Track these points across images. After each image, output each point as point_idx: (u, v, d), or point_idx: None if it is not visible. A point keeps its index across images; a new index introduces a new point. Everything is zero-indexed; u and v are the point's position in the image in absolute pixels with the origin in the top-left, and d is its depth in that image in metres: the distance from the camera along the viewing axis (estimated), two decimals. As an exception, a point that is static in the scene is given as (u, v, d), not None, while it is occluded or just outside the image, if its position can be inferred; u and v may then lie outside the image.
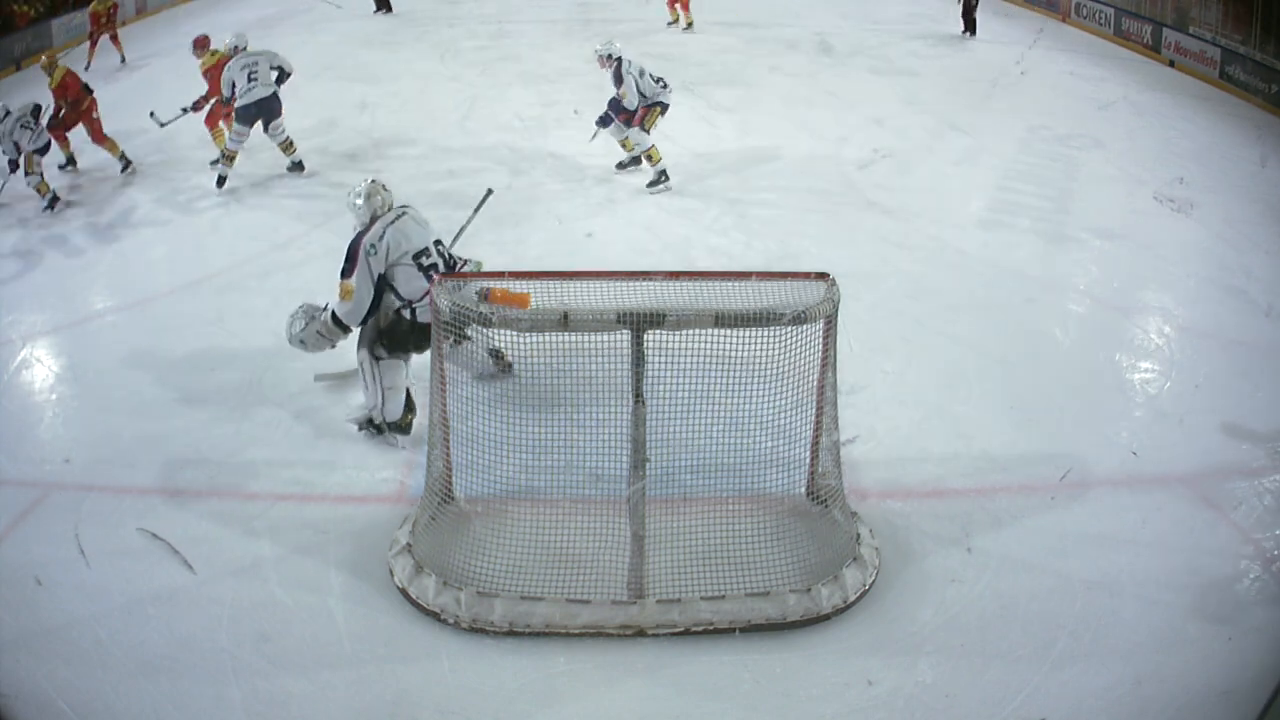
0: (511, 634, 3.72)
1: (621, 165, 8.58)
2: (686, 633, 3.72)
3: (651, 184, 8.18)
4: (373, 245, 4.62)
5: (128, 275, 6.80)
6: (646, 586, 3.79)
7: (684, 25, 14.50)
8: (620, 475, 3.83)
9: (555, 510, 3.99)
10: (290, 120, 8.55)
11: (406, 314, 4.69)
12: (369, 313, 4.70)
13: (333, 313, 4.73)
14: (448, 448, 4.09)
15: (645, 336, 3.69)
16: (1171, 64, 13.90)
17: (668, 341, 3.80)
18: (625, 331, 3.67)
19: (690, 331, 3.75)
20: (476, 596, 3.76)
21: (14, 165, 7.87)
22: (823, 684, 3.56)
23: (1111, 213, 8.09)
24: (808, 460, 4.23)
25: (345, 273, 4.66)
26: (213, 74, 8.72)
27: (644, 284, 4.04)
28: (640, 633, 3.72)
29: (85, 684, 3.52)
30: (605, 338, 3.74)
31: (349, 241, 4.68)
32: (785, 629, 3.76)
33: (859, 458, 4.75)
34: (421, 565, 3.90)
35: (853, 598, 3.85)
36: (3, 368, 5.65)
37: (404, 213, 4.79)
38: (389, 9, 15.50)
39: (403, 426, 4.89)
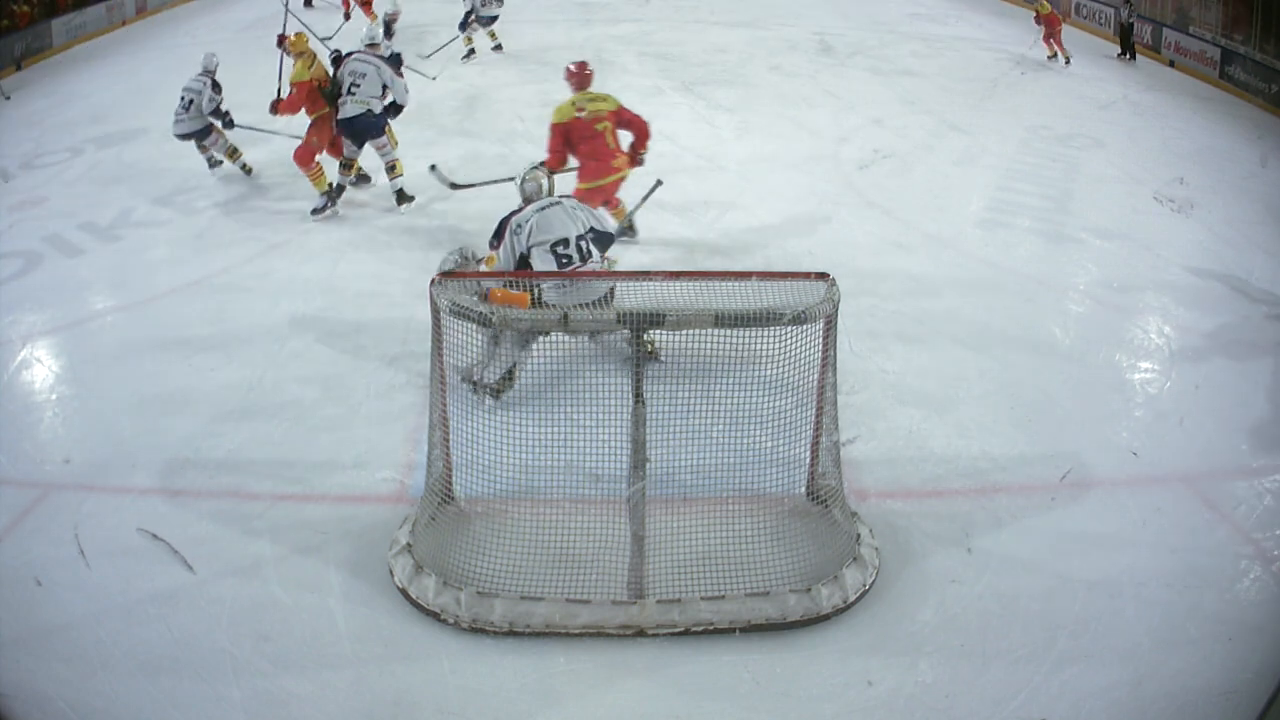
0: (511, 634, 3.71)
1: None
2: (686, 633, 3.72)
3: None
4: (519, 225, 5.03)
5: (128, 275, 6.79)
6: (646, 586, 3.79)
7: (1062, 61, 13.17)
8: (620, 475, 3.83)
9: (555, 510, 3.99)
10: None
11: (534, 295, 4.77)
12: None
13: None
14: (448, 448, 4.09)
15: (644, 336, 3.69)
16: (1171, 64, 13.91)
17: (668, 341, 3.81)
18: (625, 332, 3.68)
19: (690, 331, 3.76)
20: (476, 596, 3.76)
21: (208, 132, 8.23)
22: (823, 684, 3.56)
23: (1111, 213, 8.09)
24: (808, 460, 4.23)
25: (493, 244, 5.13)
26: (301, 90, 7.62)
27: (644, 284, 4.04)
28: (640, 633, 3.72)
29: (85, 684, 3.52)
30: (605, 338, 3.75)
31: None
32: (785, 629, 3.76)
33: (859, 458, 4.75)
34: (421, 565, 3.90)
35: (853, 598, 3.85)
36: (3, 368, 5.65)
37: (557, 203, 5.12)
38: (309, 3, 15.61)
39: (495, 391, 4.89)
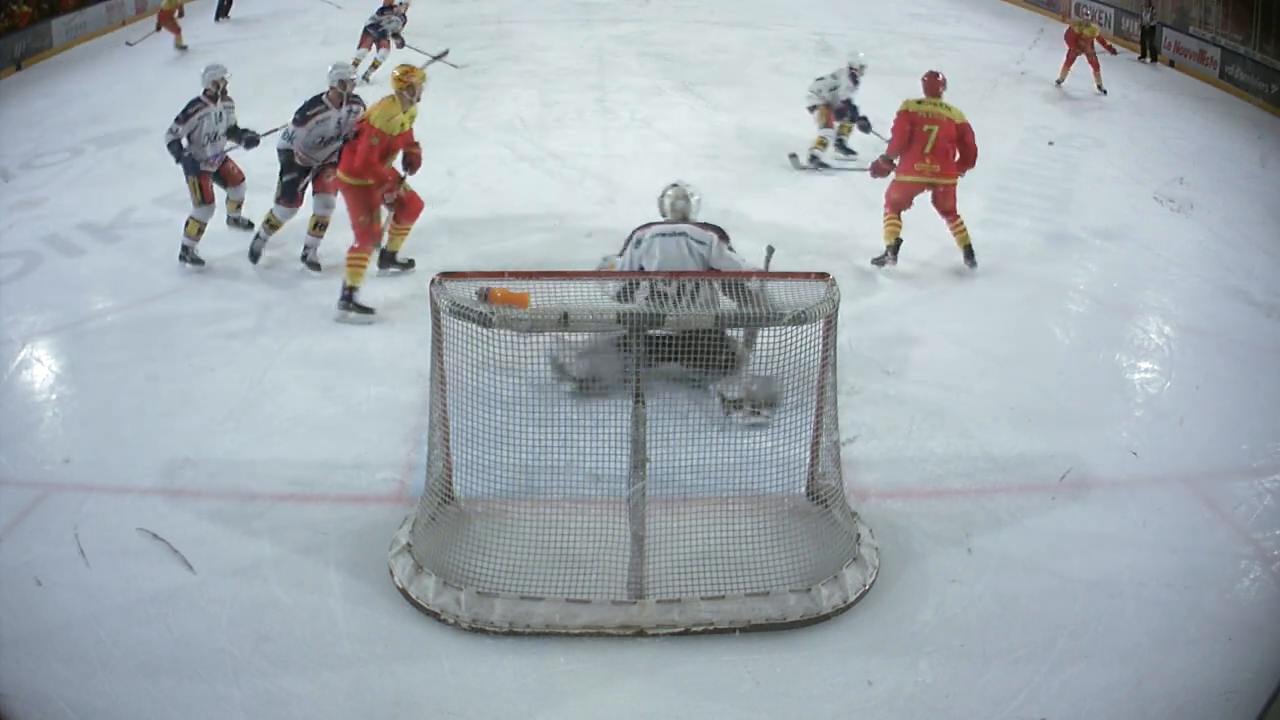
0: (511, 634, 3.71)
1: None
2: (686, 633, 3.72)
3: None
4: (639, 240, 5.16)
5: (128, 275, 6.79)
6: (646, 586, 3.79)
7: (1095, 89, 12.06)
8: (620, 475, 3.83)
9: (555, 510, 3.99)
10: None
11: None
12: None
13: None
14: (448, 448, 4.09)
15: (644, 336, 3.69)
16: (1171, 64, 13.91)
17: (667, 341, 3.81)
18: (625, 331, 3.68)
19: (690, 331, 3.76)
20: (476, 596, 3.76)
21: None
22: (823, 684, 3.56)
23: (1111, 213, 8.09)
24: (808, 460, 4.23)
25: (621, 253, 5.27)
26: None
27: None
28: (640, 633, 3.72)
29: (85, 684, 3.51)
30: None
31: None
32: (785, 629, 3.75)
33: (859, 458, 4.75)
34: (421, 565, 3.90)
35: (853, 598, 3.85)
36: (3, 368, 5.65)
37: (674, 232, 5.07)
38: (226, 15, 15.63)
39: (575, 381, 4.87)
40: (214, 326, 6.01)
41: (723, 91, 11.44)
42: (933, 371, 5.55)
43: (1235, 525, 4.42)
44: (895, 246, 6.73)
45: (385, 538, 4.12)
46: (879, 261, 6.74)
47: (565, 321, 3.62)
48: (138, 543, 4.19)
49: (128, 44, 14.30)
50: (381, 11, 12.29)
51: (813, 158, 8.93)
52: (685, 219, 5.31)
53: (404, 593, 3.86)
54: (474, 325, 3.69)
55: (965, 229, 6.79)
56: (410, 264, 6.69)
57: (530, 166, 8.74)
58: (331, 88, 6.58)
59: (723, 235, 5.23)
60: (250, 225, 7.33)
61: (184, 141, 6.74)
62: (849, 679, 3.57)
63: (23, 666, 3.58)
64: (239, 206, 7.46)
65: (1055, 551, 4.21)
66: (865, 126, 8.66)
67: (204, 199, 6.85)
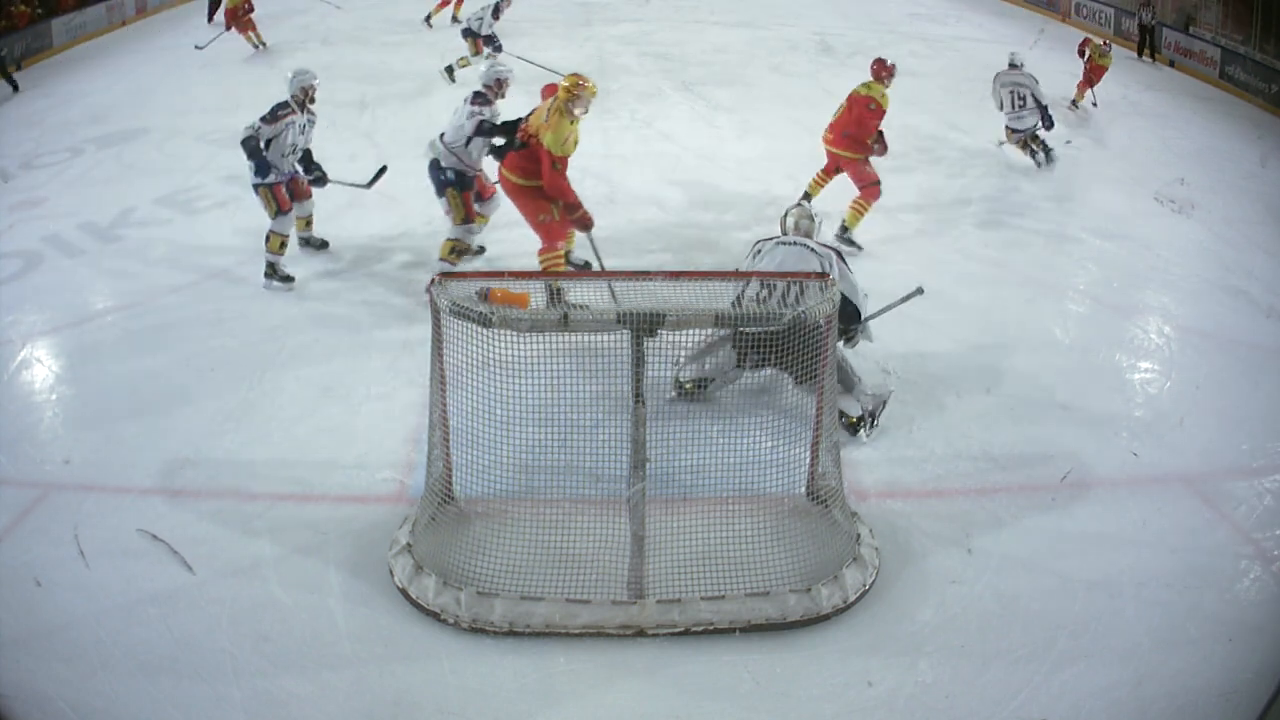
0: (511, 634, 3.71)
1: None
2: (686, 633, 3.72)
3: None
4: (757, 250, 5.12)
5: (128, 275, 6.79)
6: (646, 586, 3.79)
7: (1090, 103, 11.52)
8: (620, 475, 3.83)
9: (555, 510, 3.99)
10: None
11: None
12: None
13: None
14: (448, 448, 4.09)
15: (645, 336, 3.69)
16: (1171, 64, 13.92)
17: (668, 341, 3.81)
18: (625, 332, 3.68)
19: (690, 331, 3.76)
20: (476, 596, 3.76)
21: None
22: (823, 684, 3.56)
23: (1111, 213, 8.09)
24: (808, 460, 4.23)
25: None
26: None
27: (644, 284, 4.04)
28: (640, 633, 3.72)
29: (85, 684, 3.51)
30: (605, 338, 3.75)
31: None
32: (785, 629, 3.75)
33: (859, 458, 4.75)
34: (421, 565, 3.90)
35: (853, 598, 3.85)
36: (3, 368, 5.65)
37: (796, 243, 5.03)
38: (15, 88, 12.61)
39: (682, 387, 4.89)
40: (214, 326, 6.01)
41: (723, 91, 11.45)
42: (933, 371, 5.55)
43: (1235, 525, 4.42)
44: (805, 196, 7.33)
45: (385, 538, 4.12)
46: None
47: (565, 321, 3.62)
48: (138, 543, 4.19)
49: (196, 48, 13.32)
50: (497, 15, 12.25)
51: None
52: (809, 237, 5.27)
53: (404, 593, 3.86)
54: (474, 325, 3.69)
55: (858, 208, 7.13)
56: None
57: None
58: (293, 95, 6.35)
59: (841, 257, 5.19)
60: (325, 245, 7.08)
61: (263, 144, 6.23)
62: (849, 679, 3.57)
63: (23, 666, 3.58)
64: (309, 224, 7.01)
65: (1055, 551, 4.21)
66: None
67: (280, 209, 6.40)
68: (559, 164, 5.58)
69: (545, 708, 3.48)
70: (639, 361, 3.71)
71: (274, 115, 6.25)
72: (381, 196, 8.09)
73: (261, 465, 4.71)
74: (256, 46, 13.54)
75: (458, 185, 6.23)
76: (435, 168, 6.27)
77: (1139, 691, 3.55)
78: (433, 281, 3.86)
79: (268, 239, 6.44)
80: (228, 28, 13.47)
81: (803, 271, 4.57)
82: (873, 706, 3.48)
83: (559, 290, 4.69)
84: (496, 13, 12.28)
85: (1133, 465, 4.82)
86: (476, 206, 6.42)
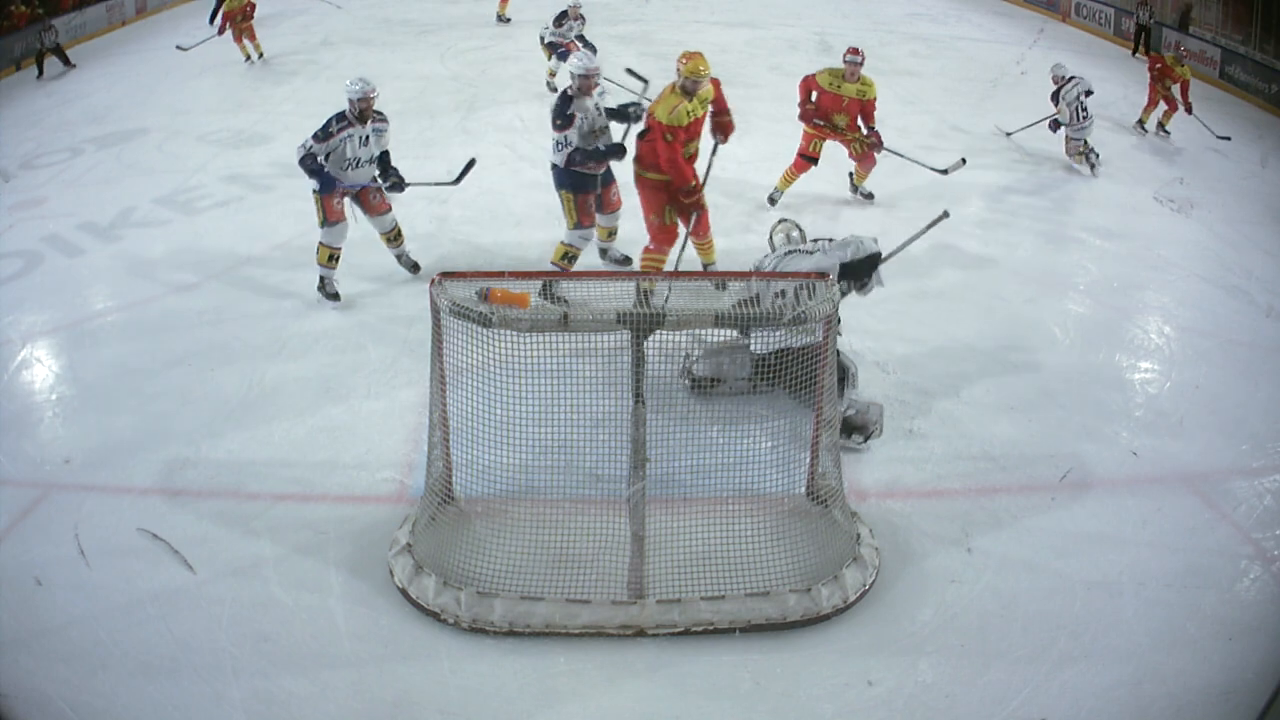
0: (511, 634, 3.71)
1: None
2: (686, 633, 3.72)
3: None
4: (759, 265, 5.03)
5: (128, 275, 6.79)
6: (646, 586, 3.79)
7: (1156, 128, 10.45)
8: (620, 475, 3.83)
9: (555, 510, 3.99)
10: (290, 120, 8.49)
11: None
12: None
13: None
14: (448, 448, 4.09)
15: (645, 337, 3.69)
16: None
17: (668, 342, 3.81)
18: (625, 332, 3.68)
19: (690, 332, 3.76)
20: (476, 596, 3.76)
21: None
22: (823, 684, 3.56)
23: (1111, 213, 8.09)
24: (808, 460, 4.23)
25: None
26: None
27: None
28: (640, 633, 3.72)
29: (85, 684, 3.52)
30: (605, 338, 3.75)
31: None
32: (785, 629, 3.76)
33: (859, 458, 4.75)
34: (421, 565, 3.90)
35: (853, 598, 3.85)
36: (3, 368, 5.65)
37: (788, 254, 4.96)
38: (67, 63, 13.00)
39: (696, 382, 4.94)
40: (214, 326, 6.01)
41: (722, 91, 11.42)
42: (933, 371, 5.55)
43: (1235, 525, 4.42)
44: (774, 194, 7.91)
45: (385, 538, 4.13)
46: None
47: (565, 322, 3.62)
48: (138, 543, 4.20)
49: (179, 48, 12.88)
50: (559, 22, 11.13)
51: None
52: (793, 245, 5.22)
53: (404, 593, 3.86)
54: (474, 325, 3.69)
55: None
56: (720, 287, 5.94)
57: (530, 166, 8.72)
58: (350, 103, 5.95)
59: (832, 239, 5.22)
60: (416, 268, 6.64)
61: (322, 159, 5.91)
62: (849, 679, 3.57)
63: (23, 666, 3.58)
64: (395, 238, 6.51)
65: (1055, 551, 4.21)
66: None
67: (328, 219, 6.03)
68: (670, 134, 5.62)
69: (545, 708, 3.48)
70: (639, 361, 3.72)
71: (325, 132, 5.89)
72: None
73: (261, 465, 4.71)
74: (250, 58, 12.72)
75: (571, 188, 6.08)
76: (553, 167, 6.17)
77: (1139, 691, 3.55)
78: (433, 281, 3.86)
79: (317, 250, 6.16)
80: (220, 32, 12.68)
81: (800, 272, 4.56)
82: (873, 706, 3.48)
83: (550, 285, 4.68)
84: (560, 20, 11.24)
85: (1133, 465, 4.82)
86: (599, 218, 6.28)
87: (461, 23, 15.29)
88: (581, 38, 11.15)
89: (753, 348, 4.68)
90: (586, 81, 5.99)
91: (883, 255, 5.02)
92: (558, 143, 5.99)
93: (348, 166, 6.00)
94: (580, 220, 6.10)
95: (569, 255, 6.18)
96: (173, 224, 7.68)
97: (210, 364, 5.59)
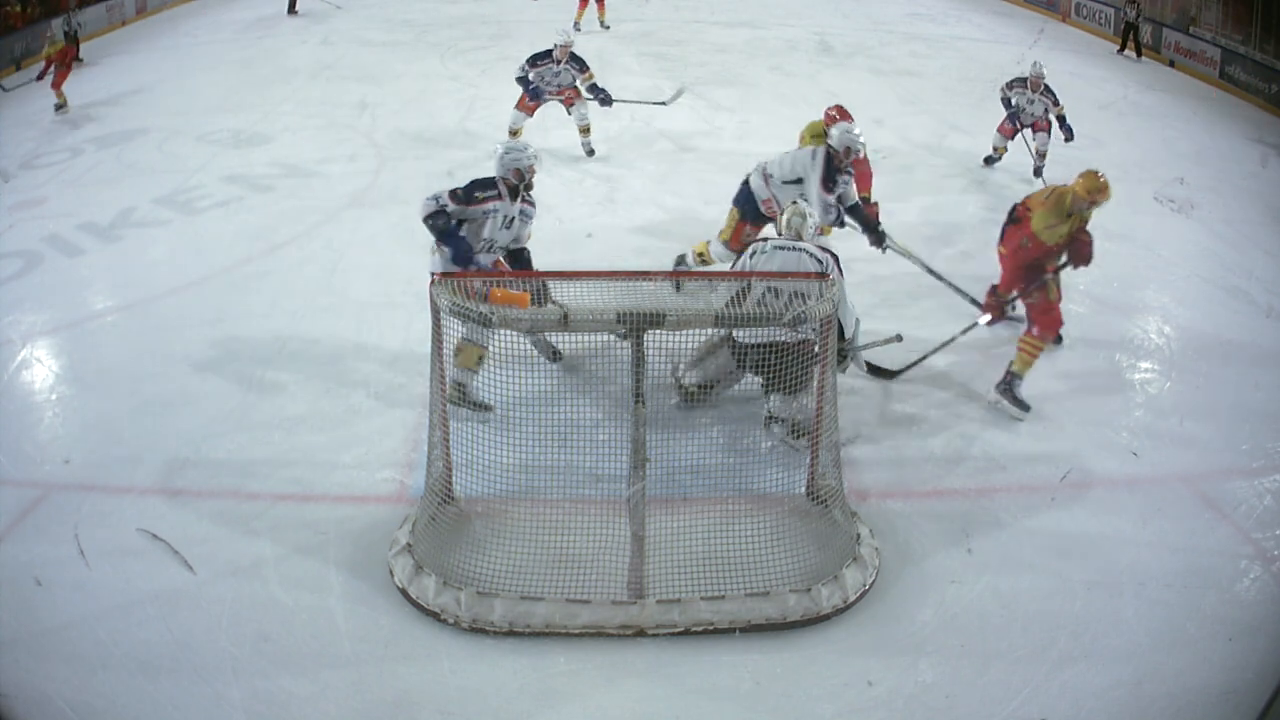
0: (511, 634, 3.71)
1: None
2: (686, 633, 3.72)
3: None
4: (752, 251, 4.79)
5: (128, 275, 6.79)
6: (646, 587, 3.79)
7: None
8: (620, 475, 3.83)
9: (555, 510, 3.99)
10: (290, 120, 8.47)
11: None
12: None
13: None
14: (448, 448, 4.09)
15: (645, 337, 3.69)
16: (1171, 64, 13.92)
17: (668, 342, 3.82)
18: (625, 331, 3.68)
19: (690, 332, 3.76)
20: (476, 596, 3.76)
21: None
22: (823, 684, 3.56)
23: (1111, 213, 8.05)
24: (808, 460, 4.23)
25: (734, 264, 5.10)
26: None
27: (644, 284, 4.05)
28: (640, 633, 3.72)
29: (85, 684, 3.51)
30: (605, 338, 3.75)
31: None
32: (785, 629, 3.76)
33: (859, 458, 4.75)
34: (421, 565, 3.90)
35: (853, 598, 3.85)
36: (3, 368, 5.65)
37: (793, 248, 4.73)
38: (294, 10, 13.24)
39: (685, 393, 4.84)
40: (214, 326, 6.01)
41: (723, 91, 11.44)
42: (933, 371, 5.55)
43: (1235, 525, 4.42)
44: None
45: (385, 538, 4.12)
46: None
47: (565, 321, 3.62)
48: (138, 543, 4.19)
49: (2, 89, 11.55)
50: (534, 63, 8.92)
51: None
52: (800, 237, 4.96)
53: (404, 593, 3.86)
54: (474, 325, 3.69)
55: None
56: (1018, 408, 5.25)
57: (530, 166, 8.74)
58: (510, 171, 4.89)
59: (838, 262, 4.93)
60: (557, 356, 5.18)
61: (455, 224, 4.81)
62: (849, 679, 3.57)
63: (23, 666, 3.58)
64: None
65: (1055, 551, 4.21)
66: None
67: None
68: (1029, 241, 5.39)
69: (545, 708, 3.48)
70: (639, 361, 3.72)
71: (469, 196, 4.79)
72: (383, 195, 8.12)
73: (261, 465, 4.71)
74: (60, 106, 10.75)
75: (743, 208, 6.01)
76: (745, 183, 6.10)
77: (1139, 691, 3.55)
78: (433, 281, 3.87)
79: (458, 352, 4.56)
80: (39, 78, 10.97)
81: (803, 271, 4.56)
82: (873, 706, 3.48)
83: (544, 286, 4.51)
84: (536, 61, 8.98)
85: (1133, 465, 4.82)
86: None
87: (461, 23, 15.29)
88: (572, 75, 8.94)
89: (738, 337, 4.62)
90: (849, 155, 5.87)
91: (849, 346, 4.95)
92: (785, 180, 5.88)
93: (481, 248, 4.88)
94: (730, 242, 6.06)
95: (705, 259, 6.21)
96: (173, 224, 7.68)
97: (210, 364, 5.59)
